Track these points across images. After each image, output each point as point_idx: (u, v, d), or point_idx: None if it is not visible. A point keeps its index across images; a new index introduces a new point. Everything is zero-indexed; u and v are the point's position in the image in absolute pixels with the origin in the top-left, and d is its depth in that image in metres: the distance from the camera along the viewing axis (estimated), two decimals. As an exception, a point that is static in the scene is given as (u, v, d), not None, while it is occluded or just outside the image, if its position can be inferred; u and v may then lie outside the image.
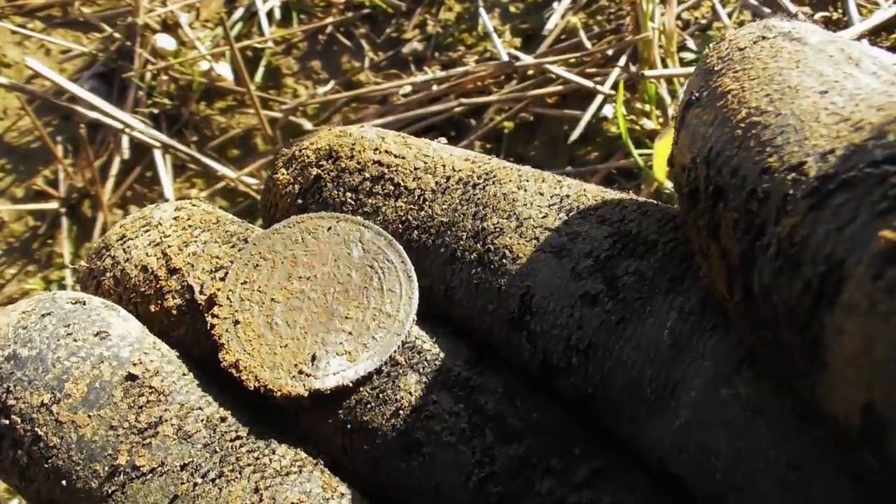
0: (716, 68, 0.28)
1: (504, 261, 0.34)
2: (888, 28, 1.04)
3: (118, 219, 1.38)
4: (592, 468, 0.31)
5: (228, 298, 0.35)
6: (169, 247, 0.36)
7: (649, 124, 1.02)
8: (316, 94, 1.31)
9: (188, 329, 0.35)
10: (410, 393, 0.33)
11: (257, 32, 1.43)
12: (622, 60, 1.09)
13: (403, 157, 0.38)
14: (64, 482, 0.31)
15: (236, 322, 0.35)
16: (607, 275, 0.32)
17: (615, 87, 1.07)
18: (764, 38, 0.28)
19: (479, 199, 0.36)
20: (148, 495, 0.31)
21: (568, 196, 0.35)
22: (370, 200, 0.38)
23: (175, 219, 0.38)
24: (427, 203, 0.37)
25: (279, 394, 0.33)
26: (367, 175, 0.38)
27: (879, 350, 0.21)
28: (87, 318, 0.33)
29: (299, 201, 0.39)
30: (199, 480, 0.31)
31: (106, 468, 0.31)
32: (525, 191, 0.36)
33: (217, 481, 0.31)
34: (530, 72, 1.16)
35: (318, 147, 0.39)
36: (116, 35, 1.46)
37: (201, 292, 0.36)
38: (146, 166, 1.39)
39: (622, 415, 0.31)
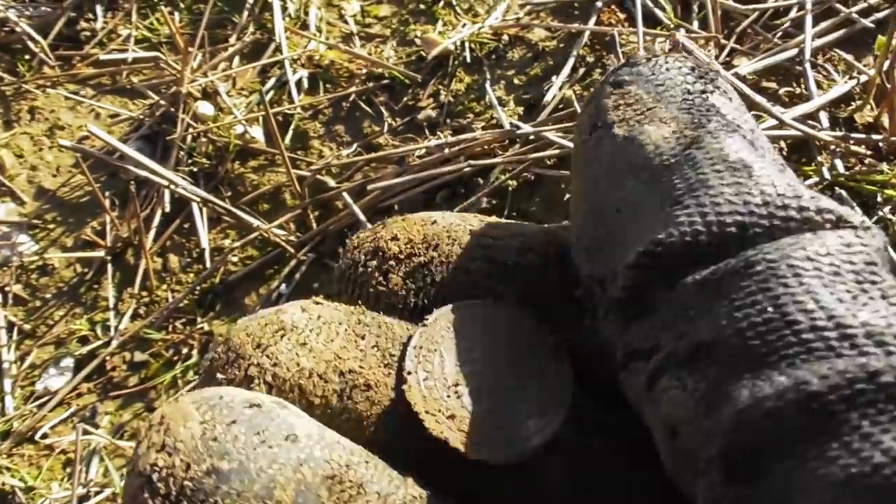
0: None
1: None
2: (844, 101, 1.18)
3: (158, 266, 1.52)
4: None
5: (420, 392, 0.37)
6: (317, 343, 0.37)
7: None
8: (340, 156, 1.46)
9: (349, 416, 0.36)
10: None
11: (287, 100, 1.59)
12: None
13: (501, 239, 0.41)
14: None
15: (433, 413, 0.36)
16: None
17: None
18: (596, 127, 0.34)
19: None
20: None
21: None
22: (484, 282, 0.39)
23: (308, 319, 0.38)
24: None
25: (499, 463, 0.35)
26: (474, 256, 0.40)
27: None
28: (273, 422, 0.33)
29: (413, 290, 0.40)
30: None
31: None
32: None
33: None
34: (531, 137, 1.31)
35: (411, 239, 0.41)
36: (162, 102, 1.63)
37: (365, 376, 0.37)
38: (184, 218, 1.53)
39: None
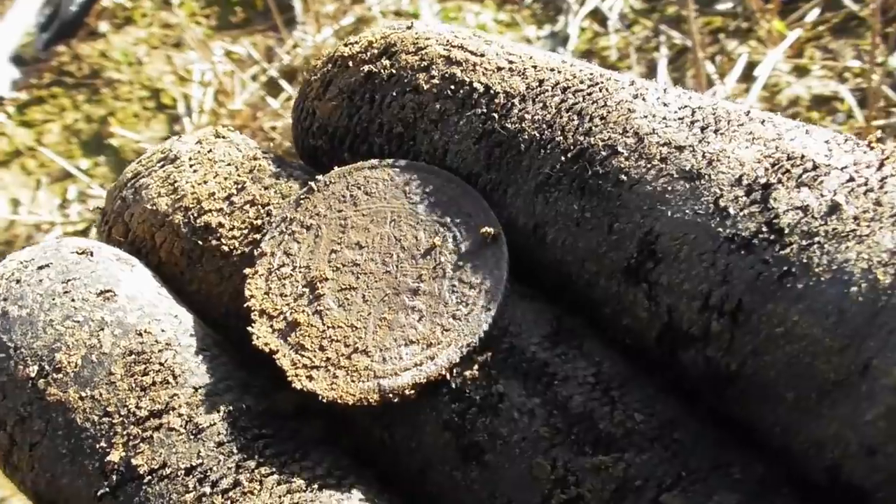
0: None
1: (618, 189, 0.25)
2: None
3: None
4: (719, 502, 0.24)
5: (266, 282, 0.27)
6: (186, 183, 0.29)
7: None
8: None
9: (201, 284, 0.29)
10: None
11: None
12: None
13: (483, 55, 0.29)
14: (48, 475, 0.24)
15: (271, 315, 0.27)
16: (765, 210, 0.23)
17: None
18: None
19: (583, 108, 0.27)
20: None
21: (702, 108, 0.26)
22: (437, 106, 0.29)
23: (196, 152, 0.31)
24: (514, 112, 0.28)
25: (342, 402, 0.25)
26: (435, 74, 0.29)
27: None
28: (91, 273, 0.27)
29: (344, 109, 0.30)
30: (207, 490, 0.24)
31: (95, 465, 0.24)
32: (644, 100, 0.26)
33: (230, 493, 0.23)
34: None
35: (371, 41, 0.31)
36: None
37: (221, 240, 0.29)
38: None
39: (781, 402, 0.23)
